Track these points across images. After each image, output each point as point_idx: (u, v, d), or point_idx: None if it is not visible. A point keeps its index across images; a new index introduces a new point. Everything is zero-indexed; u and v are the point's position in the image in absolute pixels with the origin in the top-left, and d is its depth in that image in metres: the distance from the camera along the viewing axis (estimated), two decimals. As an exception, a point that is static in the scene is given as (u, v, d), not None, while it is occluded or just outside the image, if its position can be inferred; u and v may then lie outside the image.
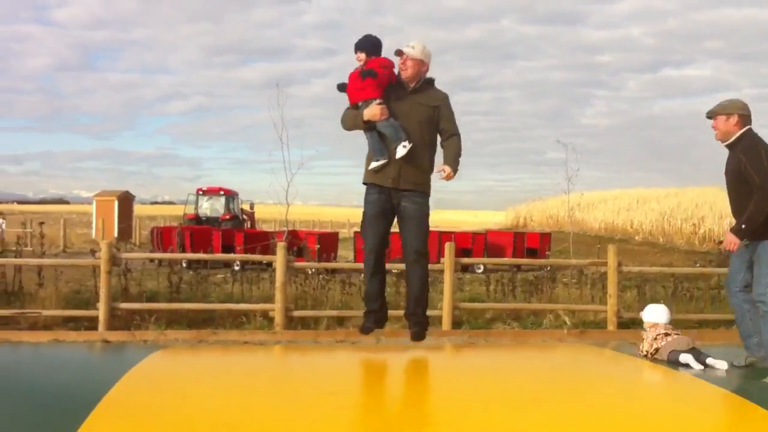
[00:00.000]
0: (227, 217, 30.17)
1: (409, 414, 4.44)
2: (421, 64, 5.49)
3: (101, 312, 10.25)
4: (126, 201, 37.42)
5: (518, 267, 17.61)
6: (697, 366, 4.66)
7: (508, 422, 3.71)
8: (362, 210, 5.62)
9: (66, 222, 34.28)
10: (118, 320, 10.53)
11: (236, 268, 16.39)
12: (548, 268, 14.04)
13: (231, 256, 18.49)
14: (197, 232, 24.49)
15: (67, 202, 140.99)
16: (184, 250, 22.00)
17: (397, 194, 5.44)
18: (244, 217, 32.03)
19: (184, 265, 16.07)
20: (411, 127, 5.39)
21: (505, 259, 21.96)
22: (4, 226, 23.30)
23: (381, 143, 5.41)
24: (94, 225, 37.26)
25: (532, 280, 13.33)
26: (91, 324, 10.39)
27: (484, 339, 9.78)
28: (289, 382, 3.82)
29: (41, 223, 14.55)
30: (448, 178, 5.42)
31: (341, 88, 5.58)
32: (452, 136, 5.58)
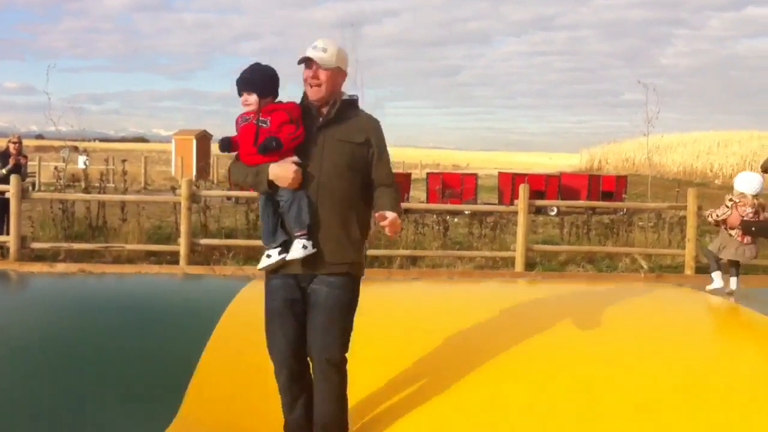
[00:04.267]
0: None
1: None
2: (338, 75, 3.79)
3: (182, 247, 10.57)
4: (204, 140, 37.97)
5: (593, 210, 17.32)
6: (718, 284, 4.98)
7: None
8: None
9: (146, 160, 35.15)
10: (198, 255, 10.86)
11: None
12: (624, 211, 13.81)
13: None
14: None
15: (146, 141, 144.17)
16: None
17: (306, 277, 3.75)
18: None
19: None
20: (325, 176, 3.69)
21: (580, 201, 21.64)
22: (87, 162, 24.02)
23: (277, 222, 3.75)
24: (173, 163, 38.04)
25: (607, 224, 13.16)
26: (172, 258, 10.76)
27: (557, 280, 9.74)
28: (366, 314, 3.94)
29: (123, 161, 14.96)
30: (393, 228, 3.62)
31: (225, 146, 3.79)
32: (386, 188, 3.82)
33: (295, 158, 3.66)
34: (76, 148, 24.60)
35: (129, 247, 11.01)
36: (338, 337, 3.77)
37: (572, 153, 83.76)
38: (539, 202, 14.29)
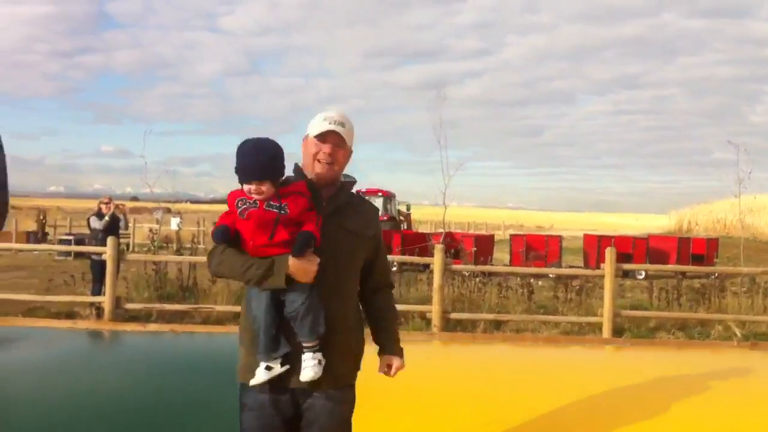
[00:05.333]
0: (385, 218, 30.71)
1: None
2: (348, 156, 3.24)
3: None
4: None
5: (683, 274, 16.88)
6: None
7: None
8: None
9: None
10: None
11: (393, 268, 16.74)
12: (716, 275, 13.41)
13: (390, 257, 18.84)
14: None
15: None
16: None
17: (305, 392, 3.10)
18: (401, 218, 32.50)
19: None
20: (339, 275, 3.13)
21: (670, 265, 21.09)
22: (180, 224, 24.84)
23: (278, 329, 3.03)
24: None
25: (698, 288, 12.80)
26: None
27: (647, 349, 9.50)
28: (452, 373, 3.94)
29: (214, 223, 15.38)
30: (393, 374, 3.28)
31: (223, 238, 3.05)
32: (387, 290, 3.44)
33: (311, 249, 2.99)
34: (169, 210, 25.53)
35: (218, 308, 11.29)
36: None
37: (660, 214, 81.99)
38: (627, 266, 14.02)
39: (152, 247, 15.24)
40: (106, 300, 10.74)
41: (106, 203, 12.17)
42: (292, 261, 2.94)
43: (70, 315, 11.12)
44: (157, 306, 11.29)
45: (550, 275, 14.32)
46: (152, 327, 9.29)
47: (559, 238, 24.07)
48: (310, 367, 2.99)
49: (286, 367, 3.01)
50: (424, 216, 50.91)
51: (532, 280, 13.23)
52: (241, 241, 3.03)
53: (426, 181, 15.77)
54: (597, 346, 9.38)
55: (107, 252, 10.80)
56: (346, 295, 3.18)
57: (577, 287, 12.45)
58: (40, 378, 5.30)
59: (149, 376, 5.57)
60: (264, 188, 2.96)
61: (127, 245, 23.90)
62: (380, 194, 32.00)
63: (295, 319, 2.99)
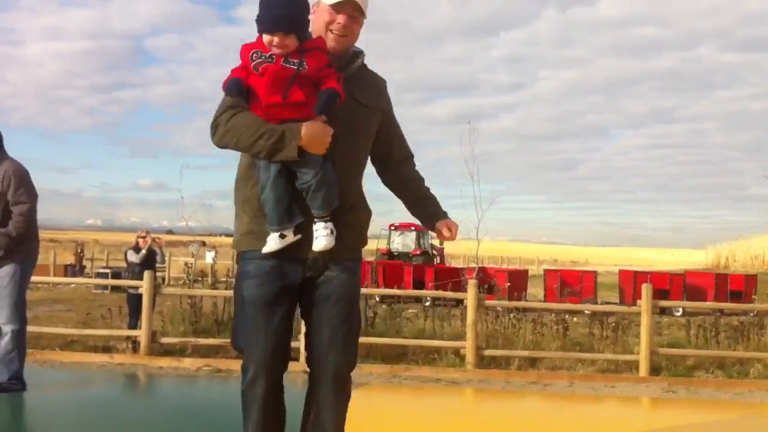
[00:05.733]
0: (418, 252, 30.72)
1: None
2: (361, 26, 3.04)
3: (301, 343, 10.76)
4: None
5: (721, 311, 16.59)
6: None
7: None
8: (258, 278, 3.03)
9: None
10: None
11: (426, 303, 16.70)
12: (755, 312, 13.18)
13: (423, 292, 18.82)
14: (390, 266, 25.12)
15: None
16: (378, 284, 22.67)
17: (318, 262, 3.00)
18: (434, 252, 32.45)
19: (377, 299, 16.55)
20: (351, 147, 3.00)
21: (708, 302, 20.77)
22: (215, 258, 25.04)
23: (290, 199, 2.90)
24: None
25: (737, 326, 12.57)
26: (294, 355, 10.96)
27: (684, 388, 9.34)
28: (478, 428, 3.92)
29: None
30: (454, 238, 3.20)
31: (236, 89, 2.82)
32: (410, 160, 3.35)
33: (323, 117, 2.84)
34: (204, 243, 25.76)
35: (252, 342, 11.31)
36: (353, 338, 3.13)
37: (696, 249, 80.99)
38: (664, 303, 13.87)
39: (187, 281, 15.35)
40: (142, 334, 10.83)
41: (143, 237, 12.35)
42: (305, 130, 2.77)
43: (107, 348, 11.22)
44: (192, 340, 11.35)
45: (586, 311, 14.16)
46: (187, 362, 9.38)
47: (594, 274, 23.84)
48: (323, 237, 2.89)
49: (299, 236, 2.90)
50: (458, 250, 50.74)
51: (566, 316, 13.10)
52: (251, 99, 2.81)
53: (458, 214, 15.67)
54: (632, 384, 9.25)
55: (143, 286, 10.92)
56: (356, 169, 3.07)
57: (613, 324, 12.30)
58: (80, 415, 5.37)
59: (183, 419, 5.61)
60: (289, 42, 2.75)
61: (163, 279, 24.13)
62: (413, 228, 32.03)
63: (307, 192, 2.86)
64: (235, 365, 9.32)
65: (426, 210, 3.25)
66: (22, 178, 5.79)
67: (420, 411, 5.63)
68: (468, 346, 10.46)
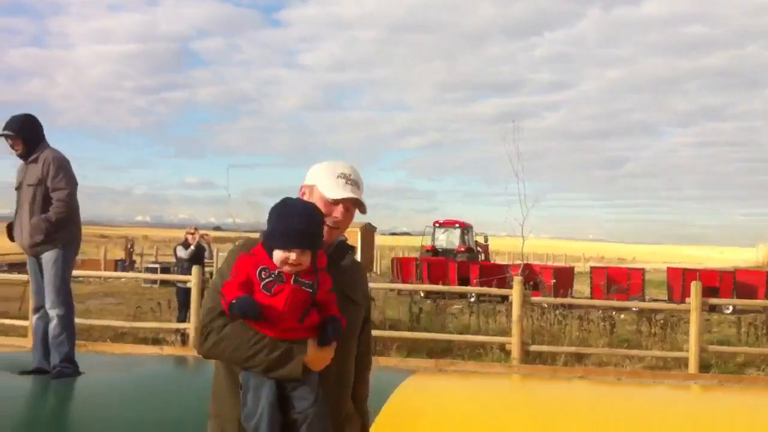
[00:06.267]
0: (462, 249, 30.66)
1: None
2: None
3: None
4: (368, 232, 39.08)
5: (773, 309, 16.28)
6: None
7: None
8: None
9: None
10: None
11: (471, 299, 16.69)
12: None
13: (468, 288, 18.80)
14: (434, 263, 25.15)
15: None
16: (422, 281, 22.72)
17: None
18: (479, 249, 32.37)
19: (422, 294, 16.59)
20: (342, 354, 2.63)
21: (759, 300, 20.37)
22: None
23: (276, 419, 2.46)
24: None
25: (788, 324, 12.34)
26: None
27: (735, 384, 9.20)
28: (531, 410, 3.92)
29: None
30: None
31: (252, 312, 2.41)
32: (369, 365, 2.97)
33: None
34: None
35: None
36: None
37: (746, 247, 79.44)
38: (713, 300, 13.65)
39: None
40: (191, 327, 11.01)
41: (192, 233, 12.55)
42: (311, 348, 2.47)
43: (156, 341, 11.44)
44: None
45: (633, 309, 14.00)
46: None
47: (642, 271, 23.54)
48: None
49: None
50: (503, 247, 50.52)
51: (614, 313, 12.98)
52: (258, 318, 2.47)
53: (503, 212, 15.67)
54: (681, 381, 9.14)
55: (192, 280, 11.11)
56: (348, 380, 2.75)
57: (661, 321, 12.15)
58: (129, 401, 5.48)
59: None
60: (304, 260, 2.47)
61: (211, 273, 24.41)
62: (457, 225, 32.00)
63: (302, 423, 2.48)
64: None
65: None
66: (60, 165, 5.89)
67: (468, 396, 5.67)
68: (513, 342, 10.42)
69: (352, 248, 2.82)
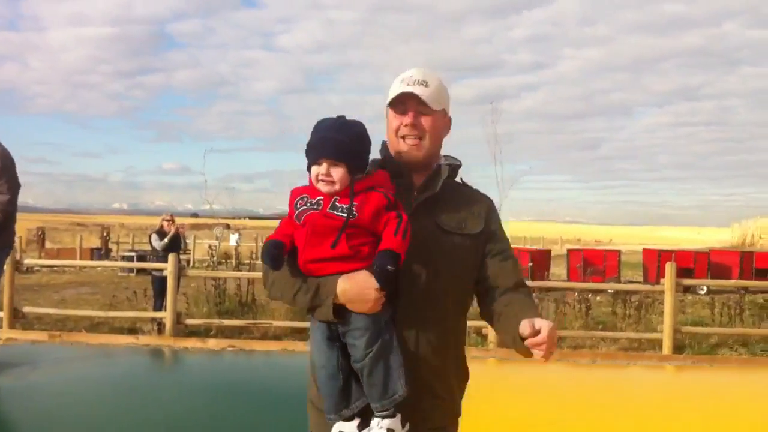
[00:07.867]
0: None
1: None
2: (442, 122, 2.38)
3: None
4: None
5: (746, 289, 16.53)
6: None
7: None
8: None
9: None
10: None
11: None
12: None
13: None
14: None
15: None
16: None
17: None
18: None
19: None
20: (426, 293, 2.21)
21: (732, 280, 20.63)
22: (239, 240, 25.24)
23: (344, 377, 2.17)
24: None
25: (762, 304, 12.52)
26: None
27: (708, 365, 9.32)
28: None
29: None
30: (547, 355, 2.04)
31: (270, 259, 2.15)
32: (523, 289, 2.36)
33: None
34: (228, 226, 25.96)
35: (276, 323, 11.42)
36: None
37: (722, 227, 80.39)
38: (688, 281, 13.81)
39: (211, 263, 15.53)
40: (167, 316, 10.96)
41: (168, 220, 12.47)
42: (342, 285, 2.09)
43: (133, 330, 11.38)
44: (216, 321, 11.48)
45: (609, 290, 14.13)
46: (211, 343, 9.45)
47: (618, 253, 23.76)
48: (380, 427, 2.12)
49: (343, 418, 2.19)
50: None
51: (590, 295, 13.08)
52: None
53: (481, 196, 15.61)
54: (656, 362, 9.25)
55: (168, 268, 11.04)
56: (443, 326, 2.26)
57: (636, 303, 12.28)
58: (105, 393, 5.46)
59: (208, 395, 5.68)
60: (336, 173, 2.14)
61: (188, 261, 24.34)
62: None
63: (362, 373, 2.13)
64: (259, 345, 9.44)
65: (504, 312, 2.27)
66: (4, 166, 5.38)
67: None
68: (491, 327, 10.46)
69: (454, 170, 2.38)
